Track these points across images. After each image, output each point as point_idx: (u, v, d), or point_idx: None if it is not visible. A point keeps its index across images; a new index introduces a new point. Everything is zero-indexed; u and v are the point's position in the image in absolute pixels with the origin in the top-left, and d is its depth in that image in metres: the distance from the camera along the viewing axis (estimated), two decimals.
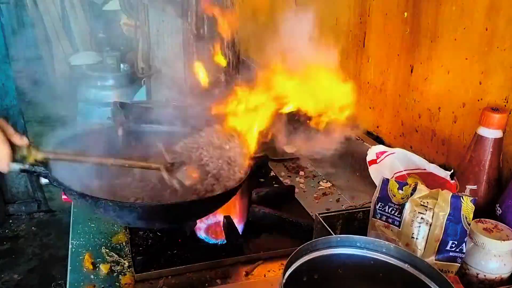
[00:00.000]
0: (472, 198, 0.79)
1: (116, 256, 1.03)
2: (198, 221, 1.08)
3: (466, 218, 0.79)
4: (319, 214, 0.94)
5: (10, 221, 3.17)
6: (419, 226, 0.81)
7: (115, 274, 0.98)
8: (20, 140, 0.85)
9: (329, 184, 1.42)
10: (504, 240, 0.79)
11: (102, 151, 1.03)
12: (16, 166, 0.87)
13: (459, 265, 0.80)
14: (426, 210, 0.81)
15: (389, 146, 1.22)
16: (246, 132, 1.06)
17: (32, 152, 0.87)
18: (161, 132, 1.19)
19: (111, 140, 1.14)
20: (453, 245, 0.79)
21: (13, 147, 0.84)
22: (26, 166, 0.88)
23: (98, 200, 0.90)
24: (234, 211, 1.10)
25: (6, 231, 3.07)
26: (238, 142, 1.05)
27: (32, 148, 0.87)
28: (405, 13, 1.19)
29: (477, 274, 0.81)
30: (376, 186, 0.90)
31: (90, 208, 0.95)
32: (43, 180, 1.25)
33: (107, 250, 1.05)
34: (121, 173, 1.08)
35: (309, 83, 1.05)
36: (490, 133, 0.89)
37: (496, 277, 0.80)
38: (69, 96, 5.11)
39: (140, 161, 1.02)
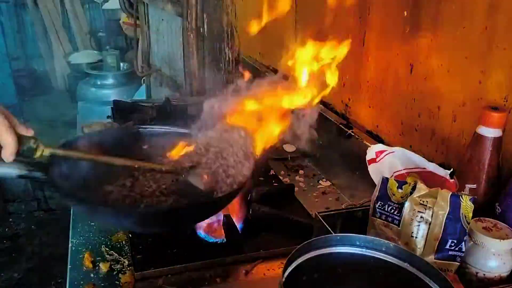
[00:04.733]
0: (472, 197, 0.80)
1: (116, 254, 1.03)
2: None
3: (465, 217, 0.79)
4: (318, 213, 0.94)
5: (10, 219, 3.17)
6: (419, 225, 0.81)
7: (115, 272, 0.98)
8: (26, 131, 0.81)
9: (328, 183, 1.42)
10: (503, 239, 0.79)
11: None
12: (13, 172, 0.83)
13: (459, 264, 0.80)
14: (425, 209, 0.81)
15: (388, 145, 1.21)
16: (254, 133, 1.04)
17: (40, 145, 0.83)
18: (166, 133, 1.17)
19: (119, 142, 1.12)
20: (453, 244, 0.79)
21: (19, 139, 0.79)
22: (24, 172, 0.83)
23: (96, 207, 0.89)
24: (234, 210, 1.10)
25: (6, 229, 3.07)
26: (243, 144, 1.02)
27: (39, 141, 0.83)
28: (405, 12, 1.19)
29: (477, 273, 0.81)
30: (376, 185, 0.90)
31: (89, 215, 0.93)
32: None
33: (107, 249, 1.05)
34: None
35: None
36: (490, 132, 0.89)
37: (495, 276, 0.80)
38: (68, 95, 5.12)
39: (152, 163, 0.99)
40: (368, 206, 0.91)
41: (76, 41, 5.52)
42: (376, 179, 0.92)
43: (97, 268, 0.99)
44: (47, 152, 0.84)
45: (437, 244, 0.80)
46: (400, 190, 0.85)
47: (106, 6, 5.05)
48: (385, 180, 0.87)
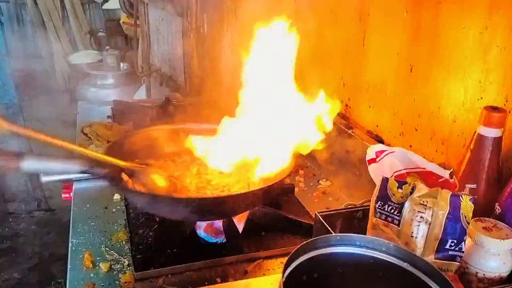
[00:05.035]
0: (472, 197, 0.79)
1: (116, 254, 1.03)
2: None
3: (465, 217, 0.79)
4: (318, 212, 0.94)
5: (10, 219, 3.17)
6: (419, 225, 0.81)
7: (115, 272, 0.98)
8: None
9: (328, 183, 1.42)
10: (503, 239, 0.79)
11: None
12: (75, 167, 0.88)
13: (458, 264, 0.80)
14: (425, 209, 0.81)
15: (388, 145, 1.22)
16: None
17: None
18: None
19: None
20: (452, 244, 0.79)
21: None
22: (85, 168, 0.88)
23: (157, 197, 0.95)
24: None
25: (6, 229, 3.07)
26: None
27: None
28: (405, 12, 1.19)
29: (477, 273, 0.81)
30: (376, 185, 0.90)
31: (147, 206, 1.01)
32: (43, 179, 1.25)
33: (107, 249, 1.05)
34: None
35: None
36: (490, 132, 0.89)
37: (495, 276, 0.80)
38: (68, 95, 5.12)
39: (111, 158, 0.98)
40: (368, 206, 0.91)
41: (76, 41, 5.52)
42: (376, 179, 0.91)
43: (97, 268, 0.99)
44: (5, 127, 0.84)
45: (437, 244, 0.80)
46: (400, 190, 0.85)
47: (106, 6, 5.05)
48: (385, 180, 0.87)
